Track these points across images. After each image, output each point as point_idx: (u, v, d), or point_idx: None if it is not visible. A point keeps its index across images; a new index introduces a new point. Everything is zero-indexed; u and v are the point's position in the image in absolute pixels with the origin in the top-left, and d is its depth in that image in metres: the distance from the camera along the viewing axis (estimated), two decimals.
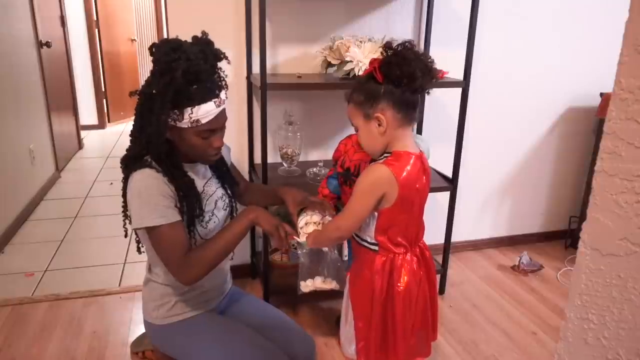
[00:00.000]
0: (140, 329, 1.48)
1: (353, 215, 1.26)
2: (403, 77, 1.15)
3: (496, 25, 2.47)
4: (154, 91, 1.19)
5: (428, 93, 1.25)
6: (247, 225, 1.30)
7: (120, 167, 1.30)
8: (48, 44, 3.83)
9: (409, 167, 1.21)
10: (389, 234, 1.26)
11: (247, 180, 1.71)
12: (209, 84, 1.21)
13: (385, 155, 1.24)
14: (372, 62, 1.20)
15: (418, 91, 1.20)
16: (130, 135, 1.29)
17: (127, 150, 1.30)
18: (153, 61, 1.20)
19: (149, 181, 1.22)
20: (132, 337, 1.94)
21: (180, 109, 1.18)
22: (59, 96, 4.28)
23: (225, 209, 1.43)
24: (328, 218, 1.40)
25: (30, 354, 1.93)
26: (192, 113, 1.19)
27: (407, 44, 1.19)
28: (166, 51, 1.16)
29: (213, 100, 1.21)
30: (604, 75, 2.60)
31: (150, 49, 1.21)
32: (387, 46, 1.20)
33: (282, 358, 1.35)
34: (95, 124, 5.58)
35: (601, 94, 2.68)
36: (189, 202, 1.27)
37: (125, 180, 1.27)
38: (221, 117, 1.27)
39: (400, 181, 1.19)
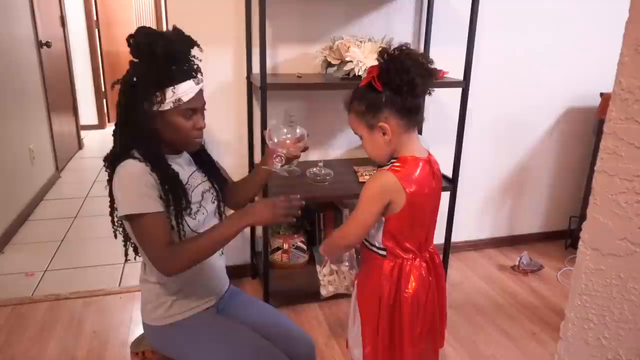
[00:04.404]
0: (141, 329, 1.48)
1: (359, 222, 1.23)
2: (403, 85, 1.13)
3: (496, 25, 2.47)
4: (135, 79, 1.25)
5: (430, 94, 1.22)
6: (238, 231, 1.28)
7: (104, 165, 1.31)
8: (48, 44, 3.83)
9: (416, 173, 1.19)
10: (396, 239, 1.24)
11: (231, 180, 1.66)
12: (186, 66, 1.28)
13: (392, 160, 1.22)
14: (370, 71, 1.17)
15: (420, 96, 1.19)
16: (114, 132, 1.32)
17: (112, 146, 1.32)
18: (132, 49, 1.26)
19: (132, 170, 1.24)
20: (132, 337, 1.94)
21: (162, 90, 1.24)
22: (59, 96, 4.28)
23: (214, 202, 1.44)
24: (345, 264, 1.42)
25: (30, 354, 1.93)
26: (173, 93, 1.24)
27: (403, 47, 1.16)
28: (145, 34, 1.24)
29: (192, 78, 1.28)
30: (604, 75, 2.59)
31: (127, 39, 1.26)
32: (384, 52, 1.17)
33: (282, 359, 1.35)
34: (95, 124, 5.58)
35: (601, 94, 2.68)
36: (175, 194, 1.28)
37: (111, 173, 1.28)
38: (200, 97, 1.33)
39: (406, 188, 1.17)
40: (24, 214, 3.17)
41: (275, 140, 1.35)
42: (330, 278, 1.45)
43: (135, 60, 1.26)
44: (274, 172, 1.42)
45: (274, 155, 1.34)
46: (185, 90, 1.26)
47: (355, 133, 1.26)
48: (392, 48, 1.17)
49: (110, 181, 1.29)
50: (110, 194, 1.30)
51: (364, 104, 1.19)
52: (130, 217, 1.24)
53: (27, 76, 3.50)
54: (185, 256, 1.24)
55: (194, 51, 1.34)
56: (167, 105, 1.24)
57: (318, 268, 1.47)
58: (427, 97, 1.24)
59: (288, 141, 1.36)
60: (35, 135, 3.56)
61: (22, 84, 3.37)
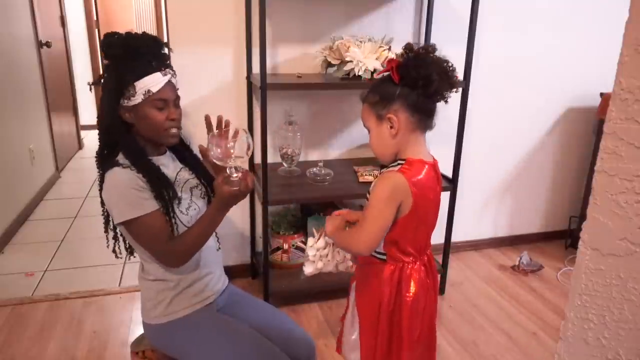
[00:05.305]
0: (141, 329, 1.48)
1: (375, 228, 1.17)
2: (419, 79, 1.12)
3: (496, 25, 2.47)
4: (108, 79, 1.32)
5: (446, 101, 1.19)
6: (223, 217, 1.33)
7: (95, 161, 1.37)
8: (48, 44, 3.83)
9: (421, 176, 1.18)
10: (399, 243, 1.22)
11: None
12: (153, 62, 1.32)
13: (399, 162, 1.20)
14: (389, 62, 1.17)
15: (434, 96, 1.16)
16: (98, 130, 1.39)
17: (98, 150, 1.38)
18: (102, 53, 1.35)
19: (120, 178, 1.28)
20: (132, 337, 1.94)
21: (132, 85, 1.29)
22: (59, 96, 4.28)
23: (204, 198, 1.46)
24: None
25: (30, 354, 1.93)
26: (142, 85, 1.29)
27: (429, 47, 1.16)
28: (106, 36, 1.31)
29: (159, 71, 1.32)
30: (604, 75, 2.60)
31: (100, 47, 1.33)
32: (408, 48, 1.17)
33: (283, 358, 1.35)
34: (95, 124, 5.56)
35: (601, 94, 2.68)
36: (161, 187, 1.31)
37: (101, 180, 1.32)
38: (171, 89, 1.35)
39: (414, 190, 1.15)
40: (24, 214, 3.17)
41: (219, 151, 1.20)
42: (323, 252, 1.33)
43: (106, 62, 1.34)
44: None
45: (228, 173, 1.23)
46: (153, 81, 1.30)
47: (365, 126, 1.25)
48: (418, 46, 1.17)
49: (101, 180, 1.33)
50: (101, 195, 1.34)
51: (378, 94, 1.19)
52: (126, 223, 1.28)
53: (27, 76, 3.50)
54: (185, 245, 1.31)
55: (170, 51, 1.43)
56: (138, 97, 1.29)
57: (310, 241, 1.35)
58: None
59: (232, 150, 1.22)
60: (35, 135, 3.56)
61: (22, 84, 3.37)
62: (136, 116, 1.32)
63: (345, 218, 1.33)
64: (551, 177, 2.93)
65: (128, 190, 1.26)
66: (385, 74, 1.19)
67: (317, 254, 1.34)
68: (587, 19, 2.60)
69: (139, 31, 1.36)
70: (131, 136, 1.34)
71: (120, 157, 1.31)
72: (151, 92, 1.30)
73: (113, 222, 1.34)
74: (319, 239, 1.34)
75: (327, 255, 1.34)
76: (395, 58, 1.19)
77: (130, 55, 1.29)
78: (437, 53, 1.17)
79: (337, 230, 1.29)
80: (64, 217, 3.23)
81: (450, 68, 1.16)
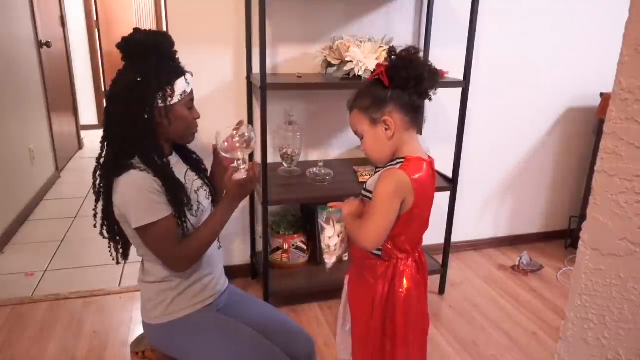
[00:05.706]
0: (141, 329, 1.48)
1: (380, 228, 1.19)
2: (410, 79, 1.15)
3: (496, 25, 2.47)
4: (139, 79, 1.26)
5: (430, 99, 1.22)
6: (230, 216, 1.37)
7: (99, 174, 1.32)
8: (48, 44, 3.83)
9: (422, 173, 1.19)
10: (396, 240, 1.24)
11: None
12: (176, 63, 1.37)
13: (399, 161, 1.21)
14: (378, 66, 1.20)
15: (424, 94, 1.19)
16: (106, 139, 1.31)
17: (105, 155, 1.32)
18: (128, 52, 1.30)
19: (136, 180, 1.26)
20: (132, 337, 1.94)
21: (171, 84, 1.30)
22: (59, 96, 4.28)
23: (208, 198, 1.47)
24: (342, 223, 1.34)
25: (30, 354, 1.93)
26: (180, 85, 1.32)
27: (411, 48, 1.18)
28: (138, 40, 1.29)
29: (187, 72, 1.37)
30: (604, 75, 2.60)
31: (120, 45, 1.29)
32: (391, 50, 1.19)
33: (283, 359, 1.35)
34: (95, 124, 5.57)
35: (601, 94, 2.68)
36: (178, 193, 1.31)
37: (108, 186, 1.29)
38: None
39: (415, 188, 1.17)
40: (24, 214, 3.17)
41: (226, 145, 1.31)
42: (342, 237, 1.31)
43: (134, 61, 1.30)
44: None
45: (234, 165, 1.32)
46: (188, 82, 1.35)
47: (356, 133, 1.26)
48: (399, 49, 1.19)
49: (104, 187, 1.30)
50: (106, 201, 1.31)
51: (369, 99, 1.20)
52: (143, 228, 1.26)
53: (27, 76, 3.50)
54: (194, 248, 1.33)
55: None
56: (176, 98, 1.31)
57: (328, 231, 1.32)
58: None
59: (238, 144, 1.31)
60: (35, 135, 3.56)
61: (22, 84, 3.37)
62: (170, 116, 1.31)
63: (361, 205, 1.30)
64: (551, 177, 2.93)
65: (146, 194, 1.25)
66: (373, 79, 1.21)
67: (338, 240, 1.32)
68: (587, 19, 2.60)
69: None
70: (157, 137, 1.32)
71: (135, 160, 1.29)
72: (186, 92, 1.34)
73: (118, 225, 1.33)
74: (335, 226, 1.32)
75: (344, 239, 1.32)
76: (381, 63, 1.21)
77: (167, 55, 1.32)
78: (421, 54, 1.20)
79: (351, 215, 1.27)
80: (64, 217, 3.23)
81: (433, 67, 1.20)
